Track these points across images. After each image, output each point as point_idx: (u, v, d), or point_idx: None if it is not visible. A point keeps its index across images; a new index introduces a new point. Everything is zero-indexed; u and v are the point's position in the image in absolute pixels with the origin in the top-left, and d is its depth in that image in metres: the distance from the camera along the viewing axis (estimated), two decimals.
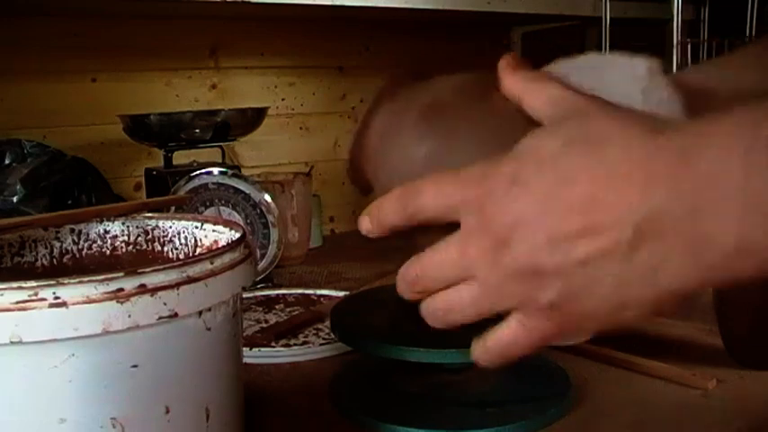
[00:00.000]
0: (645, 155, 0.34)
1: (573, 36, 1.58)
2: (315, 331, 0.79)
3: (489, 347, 0.40)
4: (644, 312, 0.36)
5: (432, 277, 0.40)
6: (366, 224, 0.43)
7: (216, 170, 0.95)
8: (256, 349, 0.72)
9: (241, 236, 0.46)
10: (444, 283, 0.39)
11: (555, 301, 0.36)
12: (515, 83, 0.43)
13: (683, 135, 0.34)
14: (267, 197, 0.96)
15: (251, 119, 1.04)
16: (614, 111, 0.38)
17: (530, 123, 0.40)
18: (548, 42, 1.53)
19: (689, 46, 1.39)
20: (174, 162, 1.00)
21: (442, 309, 0.40)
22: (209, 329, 0.41)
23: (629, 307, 0.35)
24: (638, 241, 0.33)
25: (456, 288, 0.39)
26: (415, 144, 0.44)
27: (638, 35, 1.49)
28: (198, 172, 0.94)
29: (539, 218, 0.35)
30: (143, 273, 0.37)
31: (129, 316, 0.36)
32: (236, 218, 0.95)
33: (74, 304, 0.35)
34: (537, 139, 0.37)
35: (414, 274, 0.40)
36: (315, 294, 0.93)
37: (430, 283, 0.40)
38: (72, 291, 0.35)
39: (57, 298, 0.35)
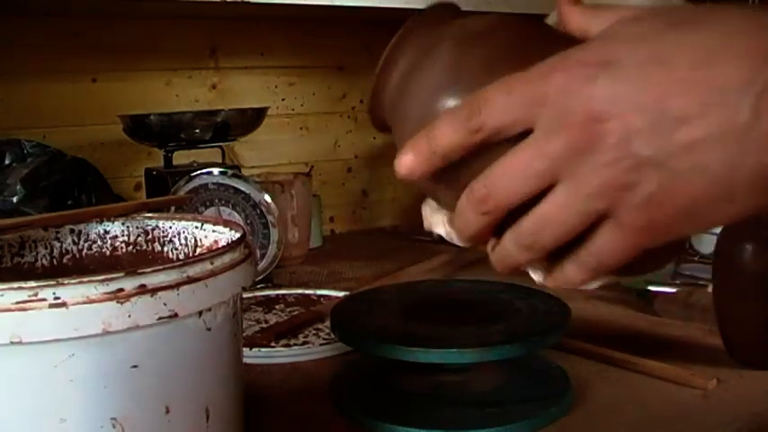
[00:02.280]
0: (752, 27, 0.31)
1: None
2: (315, 331, 0.79)
3: (584, 262, 0.35)
4: (750, 205, 0.32)
5: (506, 188, 0.34)
6: (408, 161, 0.36)
7: (216, 170, 0.95)
8: (256, 349, 0.72)
9: (241, 236, 0.46)
10: (522, 195, 0.34)
11: (655, 195, 0.32)
12: (581, 13, 0.38)
13: None
14: (267, 197, 0.96)
15: (251, 119, 1.04)
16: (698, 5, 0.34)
17: None
18: None
19: None
20: (174, 162, 1.00)
21: (531, 228, 0.34)
22: (209, 329, 0.41)
23: (737, 196, 0.31)
24: (755, 118, 0.30)
25: (544, 199, 0.33)
26: (447, 82, 0.38)
27: None
28: (198, 172, 0.94)
29: (633, 100, 0.31)
30: (143, 273, 0.37)
31: (129, 316, 0.36)
32: (236, 218, 0.95)
33: (74, 304, 0.35)
34: (622, 25, 0.33)
35: (482, 188, 0.34)
36: (315, 294, 0.93)
37: (504, 197, 0.34)
38: (72, 291, 0.35)
39: (57, 298, 0.35)
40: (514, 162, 0.33)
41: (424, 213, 0.43)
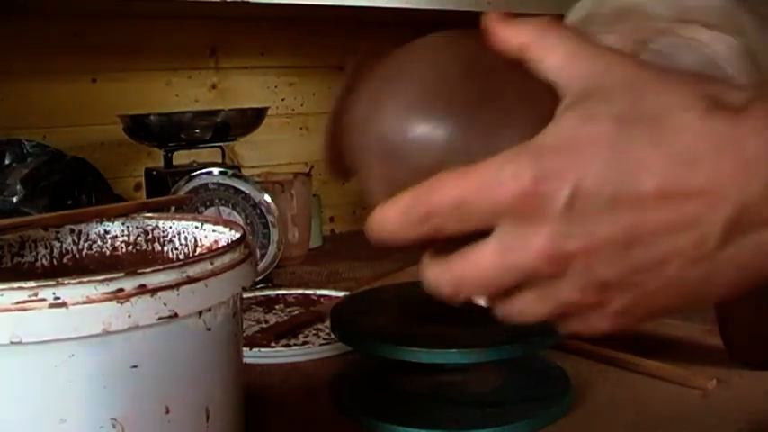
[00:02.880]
0: (733, 138, 0.29)
1: None
2: (315, 331, 0.79)
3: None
4: (724, 298, 0.32)
5: (474, 290, 0.34)
6: (372, 235, 0.35)
7: (216, 170, 0.95)
8: (256, 349, 0.72)
9: (241, 236, 0.46)
10: (488, 295, 0.34)
11: (626, 307, 0.32)
12: (518, 32, 0.34)
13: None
14: (267, 197, 0.96)
15: (251, 119, 1.04)
16: (666, 75, 0.31)
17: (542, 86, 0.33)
18: None
19: None
20: (174, 162, 1.00)
21: (508, 314, 0.35)
22: (209, 329, 0.41)
23: (711, 300, 0.32)
24: (728, 237, 0.29)
25: (515, 296, 0.33)
26: (421, 110, 0.35)
27: None
28: (198, 172, 0.94)
29: (599, 228, 0.30)
30: (143, 273, 0.37)
31: (129, 316, 0.36)
32: (236, 218, 0.95)
33: (74, 304, 0.35)
34: (579, 125, 0.30)
35: (448, 286, 0.34)
36: (315, 294, 0.93)
37: (471, 294, 0.34)
38: (72, 291, 0.35)
39: (57, 298, 0.35)
40: (480, 271, 0.32)
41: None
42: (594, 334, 0.34)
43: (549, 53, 0.33)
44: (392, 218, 0.33)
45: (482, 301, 0.37)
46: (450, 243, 0.33)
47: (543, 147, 0.30)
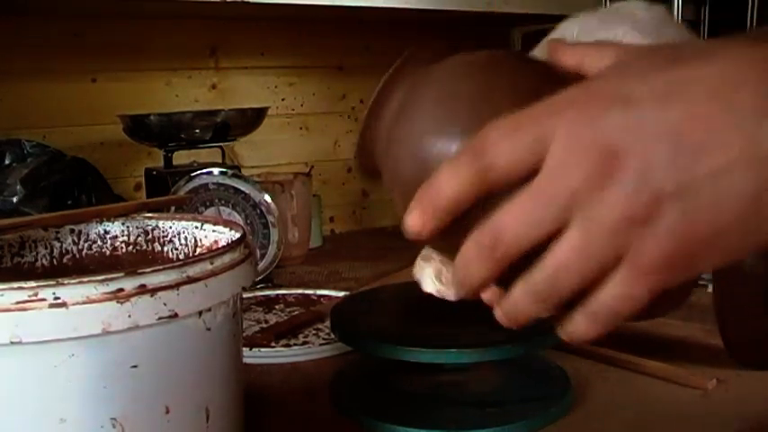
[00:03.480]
0: (761, 56, 0.30)
1: None
2: (315, 331, 0.79)
3: (596, 313, 0.32)
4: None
5: (516, 234, 0.31)
6: (414, 222, 0.34)
7: (216, 170, 0.95)
8: (256, 349, 0.72)
9: (241, 236, 0.46)
10: (533, 240, 0.31)
11: (677, 228, 0.30)
12: (573, 49, 0.38)
13: None
14: (267, 197, 0.96)
15: (251, 119, 1.04)
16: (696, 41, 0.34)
17: None
18: None
19: None
20: (174, 162, 1.00)
21: (545, 278, 0.32)
22: (209, 330, 0.41)
23: (762, 223, 0.30)
24: None
25: (556, 243, 0.31)
26: (440, 121, 0.36)
27: None
28: (198, 172, 0.94)
29: (650, 133, 0.30)
30: (143, 273, 0.37)
31: (129, 316, 0.36)
32: (236, 218, 0.95)
33: (74, 304, 0.35)
34: (629, 60, 0.32)
35: (489, 235, 0.32)
36: (315, 294, 0.93)
37: (514, 243, 0.31)
38: (72, 291, 0.35)
39: (57, 298, 0.35)
40: (523, 204, 0.31)
41: (413, 271, 0.42)
42: (648, 273, 0.31)
43: (599, 60, 0.36)
44: (444, 173, 0.33)
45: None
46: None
47: (595, 79, 0.33)
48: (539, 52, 0.41)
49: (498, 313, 0.35)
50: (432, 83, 0.38)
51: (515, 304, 0.34)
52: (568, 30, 0.39)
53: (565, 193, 0.30)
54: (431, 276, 0.38)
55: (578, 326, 0.34)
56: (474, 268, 0.33)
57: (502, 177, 0.32)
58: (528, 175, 0.31)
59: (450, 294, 0.37)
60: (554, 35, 0.44)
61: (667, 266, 0.31)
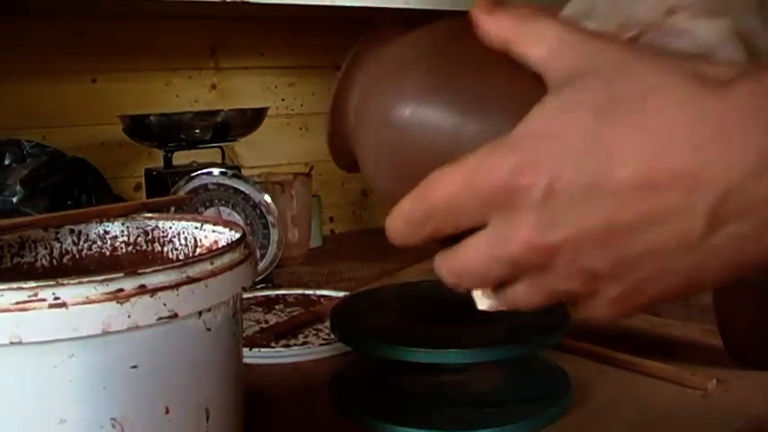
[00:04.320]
0: (716, 115, 0.28)
1: None
2: (315, 331, 0.79)
3: (517, 302, 0.35)
4: (721, 283, 0.32)
5: (472, 280, 0.34)
6: (395, 239, 0.37)
7: (216, 170, 0.95)
8: (256, 349, 0.72)
9: (241, 236, 0.46)
10: (484, 286, 0.35)
11: (620, 297, 0.31)
12: (501, 23, 0.34)
13: (759, 85, 0.28)
14: (267, 197, 0.96)
15: (251, 119, 1.04)
16: (650, 57, 0.30)
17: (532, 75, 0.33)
18: None
19: None
20: (174, 162, 1.00)
21: (509, 304, 0.35)
22: (209, 330, 0.41)
23: (707, 285, 0.31)
24: (712, 227, 0.28)
25: (511, 286, 0.34)
26: (410, 99, 0.36)
27: None
28: (198, 172, 0.94)
29: (580, 216, 0.30)
30: (143, 273, 0.37)
31: (129, 316, 0.36)
32: (236, 218, 0.95)
33: (73, 305, 0.35)
34: (557, 116, 0.30)
35: (449, 277, 0.35)
36: (315, 294, 0.93)
37: (470, 285, 0.35)
38: (72, 291, 0.35)
39: (56, 298, 0.35)
40: (473, 262, 0.33)
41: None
42: (601, 318, 0.33)
43: (532, 46, 0.33)
44: (397, 225, 0.36)
45: (482, 303, 0.37)
46: (455, 237, 0.34)
47: (520, 137, 0.31)
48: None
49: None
50: (396, 54, 0.39)
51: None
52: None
53: (509, 262, 0.32)
54: (479, 294, 0.39)
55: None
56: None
57: (452, 232, 0.34)
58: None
59: (501, 305, 0.38)
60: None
61: (618, 313, 0.33)
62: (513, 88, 0.34)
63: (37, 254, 0.54)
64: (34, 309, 0.35)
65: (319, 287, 0.95)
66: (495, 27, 0.34)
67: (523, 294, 0.34)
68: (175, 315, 0.38)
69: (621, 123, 0.29)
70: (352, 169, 0.43)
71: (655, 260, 0.30)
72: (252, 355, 0.71)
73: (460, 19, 0.38)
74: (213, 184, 0.95)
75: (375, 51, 0.41)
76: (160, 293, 0.37)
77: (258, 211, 0.96)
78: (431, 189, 0.33)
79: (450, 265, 0.34)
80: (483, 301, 0.37)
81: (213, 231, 0.53)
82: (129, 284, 0.37)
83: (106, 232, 0.56)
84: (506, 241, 0.31)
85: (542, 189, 0.30)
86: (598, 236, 0.30)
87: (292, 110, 1.34)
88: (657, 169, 0.28)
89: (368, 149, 0.39)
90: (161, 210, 0.62)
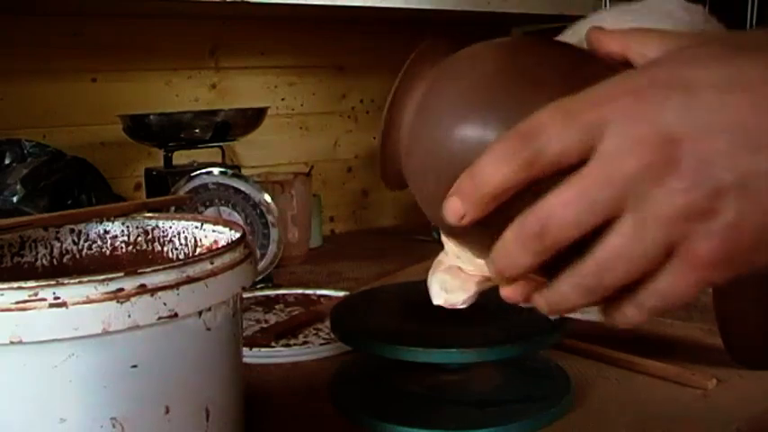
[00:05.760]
0: None
1: None
2: (315, 331, 0.79)
3: (645, 303, 0.31)
4: None
5: (564, 222, 0.30)
6: (455, 207, 0.32)
7: (216, 170, 0.95)
8: (256, 349, 0.72)
9: (241, 236, 0.46)
10: (583, 229, 0.30)
11: (734, 223, 0.28)
12: (617, 34, 0.36)
13: None
14: (267, 197, 0.96)
15: (251, 119, 1.04)
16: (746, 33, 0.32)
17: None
18: None
19: None
20: (174, 162, 1.00)
21: (594, 268, 0.31)
22: (209, 329, 0.41)
23: None
24: None
25: (608, 233, 0.30)
26: (476, 106, 0.34)
27: None
28: (198, 172, 0.94)
29: (711, 122, 0.28)
30: (143, 273, 0.37)
31: (129, 316, 0.36)
32: (236, 218, 0.95)
33: (74, 304, 0.35)
34: (687, 47, 0.32)
35: (536, 223, 0.30)
36: (315, 294, 0.93)
37: (562, 232, 0.30)
38: (72, 291, 0.35)
39: (57, 298, 0.35)
40: (574, 191, 0.29)
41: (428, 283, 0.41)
42: (700, 268, 0.30)
43: (647, 45, 0.35)
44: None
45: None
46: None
47: (649, 65, 0.32)
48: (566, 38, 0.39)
49: (540, 302, 0.34)
50: (458, 69, 0.37)
51: (561, 295, 0.32)
52: (597, 23, 0.37)
53: (620, 180, 0.29)
54: (437, 288, 0.38)
55: (623, 314, 0.32)
56: (516, 258, 0.31)
57: (552, 164, 0.30)
58: (579, 164, 0.30)
59: (458, 302, 0.37)
60: (579, 27, 0.42)
61: (721, 263, 0.30)
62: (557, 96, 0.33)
63: (37, 253, 0.54)
64: (34, 308, 0.35)
65: (319, 287, 0.95)
66: (614, 37, 0.36)
67: (630, 234, 0.29)
68: (175, 315, 0.38)
69: (750, 53, 0.30)
70: (401, 187, 0.41)
71: None
72: (252, 355, 0.71)
73: (516, 38, 0.38)
74: (213, 183, 0.95)
75: (430, 67, 0.39)
76: (160, 293, 0.37)
77: (258, 211, 0.96)
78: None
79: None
80: (440, 295, 0.35)
81: (213, 231, 0.53)
82: (130, 284, 0.37)
83: (106, 232, 0.56)
84: (627, 149, 0.29)
85: (676, 97, 0.29)
86: (730, 138, 0.28)
87: (292, 110, 1.34)
88: None
89: (422, 170, 0.37)
90: (161, 209, 0.62)
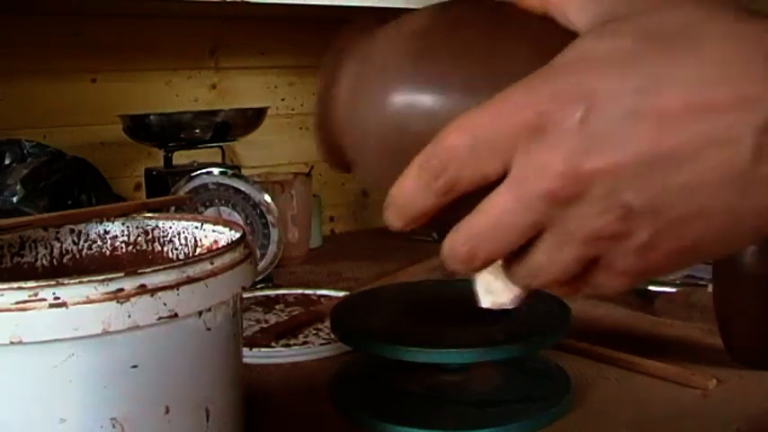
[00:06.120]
0: (755, 44, 0.27)
1: None
2: (315, 331, 0.79)
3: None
4: (753, 240, 0.29)
5: (491, 245, 0.30)
6: (393, 221, 0.33)
7: (216, 170, 0.95)
8: (256, 349, 0.72)
9: (241, 236, 0.46)
10: (508, 249, 0.31)
11: (650, 242, 0.29)
12: None
13: None
14: (267, 197, 0.96)
15: (251, 119, 1.04)
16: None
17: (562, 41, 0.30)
18: None
19: None
20: (174, 162, 1.00)
21: (522, 274, 0.32)
22: (209, 329, 0.41)
23: (738, 235, 0.29)
24: (755, 161, 0.27)
25: (532, 248, 0.30)
26: (405, 85, 0.34)
27: None
28: (198, 172, 0.94)
29: (620, 143, 0.27)
30: (143, 273, 0.37)
31: (129, 316, 0.36)
32: (236, 218, 0.95)
33: (74, 304, 0.35)
34: (596, 41, 0.29)
35: (465, 248, 0.31)
36: (315, 294, 0.93)
37: (489, 254, 0.31)
38: (72, 291, 0.35)
39: (57, 298, 0.35)
40: (495, 217, 0.30)
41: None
42: (619, 287, 0.31)
43: (569, 2, 0.32)
44: (407, 184, 0.32)
45: (486, 298, 0.36)
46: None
47: (556, 67, 0.29)
48: None
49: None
50: (383, 41, 0.37)
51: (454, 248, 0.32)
52: None
53: (534, 209, 0.29)
54: (482, 290, 0.37)
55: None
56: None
57: (471, 186, 0.30)
58: (499, 179, 0.30)
59: (505, 302, 0.37)
60: None
61: (641, 273, 0.30)
62: (513, 67, 0.32)
63: (37, 253, 0.54)
64: (34, 309, 0.35)
65: (319, 287, 0.95)
66: None
67: (548, 252, 0.30)
68: (175, 315, 0.38)
69: (668, 48, 0.28)
70: (347, 169, 0.41)
71: (696, 195, 0.28)
72: (252, 355, 0.71)
73: (442, 4, 0.36)
74: (213, 183, 0.95)
75: (359, 44, 0.39)
76: (160, 293, 0.37)
77: (258, 211, 0.96)
78: (450, 132, 0.30)
79: (467, 228, 0.30)
80: (486, 297, 0.36)
81: (213, 231, 0.53)
82: (130, 284, 0.37)
83: (106, 232, 0.56)
84: (536, 175, 0.28)
85: (580, 113, 0.28)
86: (638, 164, 0.27)
87: (292, 110, 1.34)
88: (706, 94, 0.27)
89: (361, 146, 0.37)
90: (161, 209, 0.62)
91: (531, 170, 0.29)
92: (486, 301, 0.37)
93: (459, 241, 0.31)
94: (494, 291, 0.37)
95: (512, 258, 0.32)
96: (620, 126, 0.27)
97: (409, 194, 0.32)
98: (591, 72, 0.28)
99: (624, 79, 0.28)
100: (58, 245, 0.55)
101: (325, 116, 0.39)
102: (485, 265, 0.32)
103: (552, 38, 0.32)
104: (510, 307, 0.37)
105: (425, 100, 0.33)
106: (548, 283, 0.32)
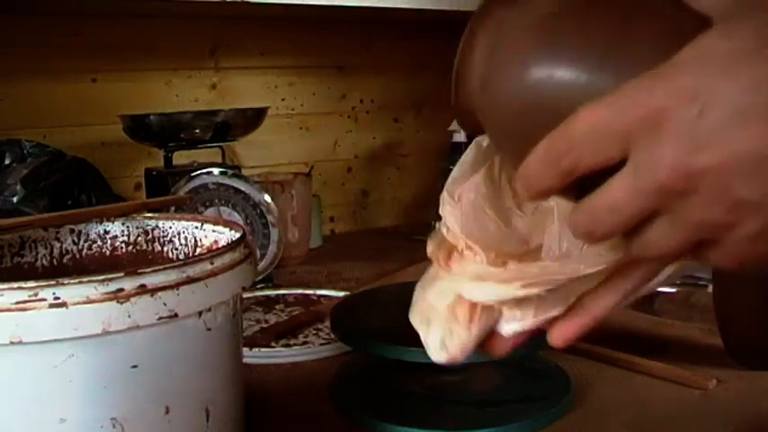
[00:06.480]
0: None
1: None
2: (315, 331, 0.79)
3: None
4: None
5: (607, 223, 0.33)
6: (520, 191, 0.36)
7: (216, 170, 0.95)
8: (256, 349, 0.72)
9: (241, 236, 0.46)
10: (624, 228, 0.33)
11: (760, 233, 0.30)
12: None
13: None
14: (267, 197, 0.96)
15: (251, 119, 1.04)
16: None
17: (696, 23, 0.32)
18: None
19: None
20: (174, 162, 1.00)
21: (641, 248, 0.34)
22: (209, 330, 0.41)
23: None
24: None
25: (647, 227, 0.32)
26: (544, 60, 0.35)
27: None
28: (198, 172, 0.94)
29: (731, 140, 0.29)
30: (143, 273, 0.37)
31: (129, 316, 0.36)
32: (236, 218, 0.95)
33: (74, 304, 0.35)
34: (717, 40, 0.30)
35: (585, 222, 0.33)
36: (315, 294, 0.93)
37: (605, 231, 0.33)
38: (72, 291, 0.35)
39: (57, 298, 0.35)
40: (614, 201, 0.32)
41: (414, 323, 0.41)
42: (729, 267, 0.33)
43: None
44: (533, 162, 0.34)
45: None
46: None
47: (676, 64, 0.31)
48: None
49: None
50: (519, 12, 0.37)
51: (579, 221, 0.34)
52: None
53: (648, 196, 0.31)
54: (436, 344, 0.38)
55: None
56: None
57: (590, 170, 0.32)
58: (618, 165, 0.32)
59: (455, 355, 0.37)
60: None
61: (753, 258, 0.32)
62: (654, 42, 0.33)
63: (37, 253, 0.54)
64: (34, 308, 0.35)
65: (319, 287, 0.95)
66: None
67: (661, 232, 0.32)
68: (175, 315, 0.38)
69: None
70: (478, 132, 0.42)
71: None
72: (252, 355, 0.71)
73: None
74: (213, 183, 0.95)
75: (497, 12, 0.39)
76: (160, 293, 0.37)
77: (258, 211, 0.96)
78: (573, 120, 0.32)
79: (589, 207, 0.33)
80: (440, 353, 0.36)
81: (213, 231, 0.53)
82: (130, 284, 0.37)
83: (106, 232, 0.56)
84: (651, 168, 0.30)
85: (693, 112, 0.29)
86: (749, 161, 0.29)
87: (292, 110, 1.34)
88: None
89: (496, 113, 0.37)
90: (161, 210, 0.62)
91: (647, 163, 0.30)
92: (438, 357, 0.38)
93: (581, 216, 0.33)
94: (447, 346, 0.38)
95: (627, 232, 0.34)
96: (732, 126, 0.29)
97: (536, 172, 0.34)
98: (709, 72, 0.30)
99: (738, 79, 0.29)
100: (57, 245, 0.55)
101: (461, 78, 0.40)
102: (603, 238, 0.34)
103: (683, 22, 0.33)
104: (459, 362, 0.38)
105: (562, 74, 0.34)
106: (659, 257, 0.34)
